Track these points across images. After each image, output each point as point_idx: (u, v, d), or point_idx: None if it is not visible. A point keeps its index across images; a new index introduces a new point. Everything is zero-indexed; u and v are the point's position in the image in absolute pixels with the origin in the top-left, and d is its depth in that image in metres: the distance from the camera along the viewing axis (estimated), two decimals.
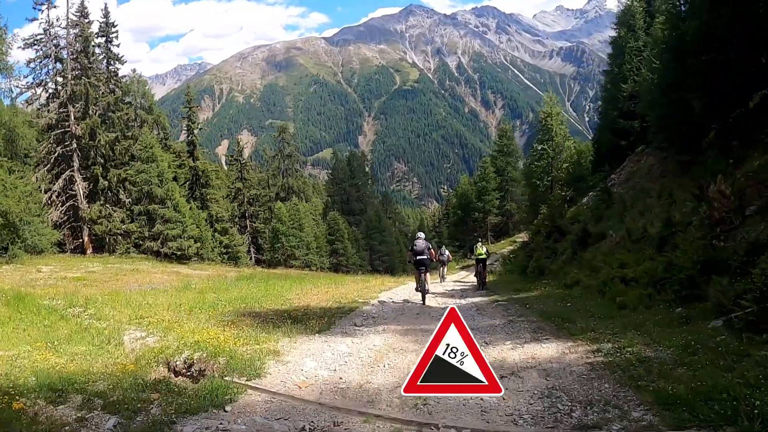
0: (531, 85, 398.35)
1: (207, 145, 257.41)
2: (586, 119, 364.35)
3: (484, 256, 21.73)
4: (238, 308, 13.32)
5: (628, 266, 12.91)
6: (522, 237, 55.72)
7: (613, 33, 31.82)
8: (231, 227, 54.34)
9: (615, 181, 26.24)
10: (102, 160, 39.32)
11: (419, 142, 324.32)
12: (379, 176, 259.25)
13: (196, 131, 54.00)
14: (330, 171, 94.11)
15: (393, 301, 16.24)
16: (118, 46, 45.28)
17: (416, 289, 16.08)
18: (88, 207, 38.51)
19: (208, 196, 52.53)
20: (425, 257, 15.74)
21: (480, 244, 23.00)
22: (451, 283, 27.76)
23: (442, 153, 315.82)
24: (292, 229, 53.56)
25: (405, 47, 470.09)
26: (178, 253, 38.77)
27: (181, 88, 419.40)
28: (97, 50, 43.19)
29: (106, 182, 38.78)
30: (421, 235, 16.73)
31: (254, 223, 60.36)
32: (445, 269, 29.74)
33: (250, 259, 59.00)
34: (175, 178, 53.73)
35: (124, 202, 39.71)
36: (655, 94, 19.27)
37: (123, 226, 38.50)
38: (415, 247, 16.07)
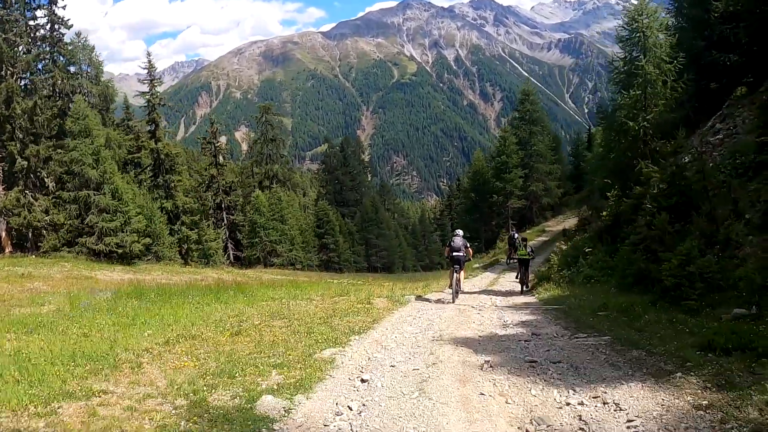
0: (530, 77, 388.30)
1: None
2: (585, 111, 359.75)
3: (527, 257, 19.80)
4: None
5: None
6: (553, 226, 47.00)
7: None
8: (201, 220, 46.34)
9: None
10: (21, 135, 31.09)
11: (418, 135, 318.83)
12: (378, 170, 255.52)
13: (158, 108, 45.94)
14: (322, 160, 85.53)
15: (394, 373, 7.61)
16: (64, 8, 37.84)
17: (449, 286, 16.38)
18: (4, 194, 30.38)
19: (172, 184, 44.46)
20: (462, 254, 15.88)
21: (519, 237, 22.50)
22: (475, 294, 18.30)
23: (441, 146, 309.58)
24: (273, 221, 45.54)
25: (402, 40, 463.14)
26: (119, 251, 30.66)
27: (179, 85, 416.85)
28: (39, 13, 35.91)
29: (24, 162, 30.55)
30: (459, 232, 16.91)
31: (232, 215, 52.11)
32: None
33: (228, 257, 50.99)
34: (138, 164, 46.43)
35: (50, 187, 31.50)
36: None
37: (47, 218, 30.35)
38: (452, 244, 16.21)
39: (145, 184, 44.99)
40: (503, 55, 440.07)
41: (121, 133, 48.37)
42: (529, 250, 20.12)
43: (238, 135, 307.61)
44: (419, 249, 77.49)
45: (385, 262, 64.56)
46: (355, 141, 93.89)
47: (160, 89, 47.94)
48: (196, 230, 44.57)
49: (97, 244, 30.32)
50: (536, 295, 17.74)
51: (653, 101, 14.89)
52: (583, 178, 53.86)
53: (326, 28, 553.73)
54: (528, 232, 44.20)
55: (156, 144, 44.88)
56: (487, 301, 15.97)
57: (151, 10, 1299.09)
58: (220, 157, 52.39)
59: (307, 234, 51.36)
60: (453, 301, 14.90)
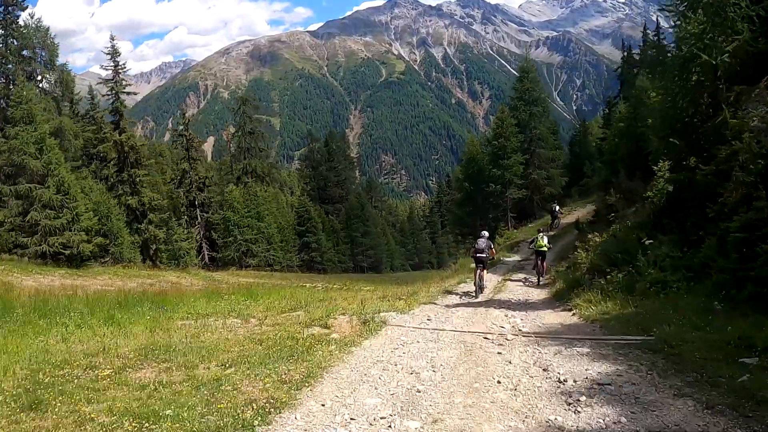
0: (518, 75, 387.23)
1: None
2: (574, 108, 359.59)
3: (545, 248, 20.71)
4: None
5: None
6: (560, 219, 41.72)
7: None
8: (171, 218, 42.76)
9: None
10: None
11: (407, 134, 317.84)
12: (367, 169, 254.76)
13: (123, 96, 42.32)
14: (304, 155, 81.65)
15: None
16: None
17: (474, 283, 17.46)
18: None
19: (138, 179, 40.89)
20: (485, 255, 17.22)
21: (542, 234, 21.58)
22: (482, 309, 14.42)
23: (429, 145, 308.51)
24: (248, 218, 41.97)
25: (390, 39, 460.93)
26: (66, 252, 27.04)
27: (166, 86, 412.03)
28: None
29: None
30: (485, 234, 18.16)
31: (206, 213, 48.44)
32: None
33: (202, 258, 47.39)
34: (102, 158, 42.82)
35: None
36: None
37: None
38: (476, 246, 17.49)
39: (110, 179, 41.55)
40: (491, 53, 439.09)
41: (86, 124, 44.88)
42: (545, 241, 20.70)
43: (226, 135, 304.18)
44: (408, 248, 74.23)
45: (372, 262, 61.21)
46: (340, 135, 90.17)
47: (147, 89, 44.72)
48: (165, 229, 41.01)
49: (40, 245, 26.67)
50: (577, 312, 11.95)
51: (731, 26, 10.48)
52: (582, 169, 50.19)
53: (314, 27, 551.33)
54: (530, 226, 40.27)
55: (120, 135, 41.28)
56: (504, 321, 11.34)
57: (138, 11, 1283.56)
58: (193, 151, 48.69)
59: (287, 232, 47.86)
60: (477, 297, 16.41)
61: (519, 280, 21.05)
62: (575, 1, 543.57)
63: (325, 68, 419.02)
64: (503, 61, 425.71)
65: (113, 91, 42.27)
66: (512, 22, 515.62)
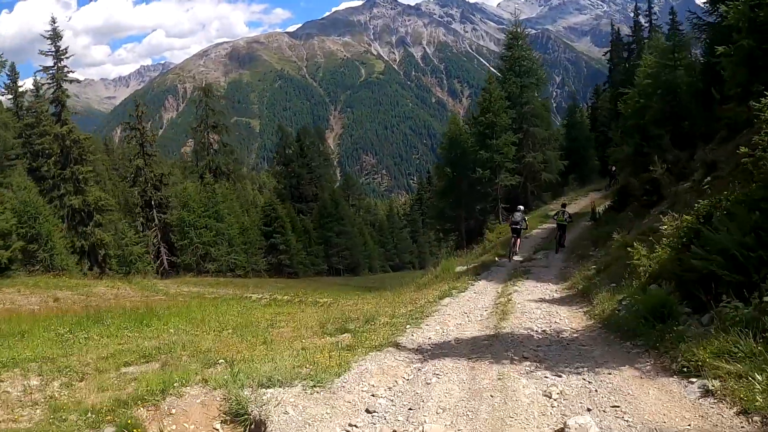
0: (498, 74, 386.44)
1: (172, 145, 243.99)
2: (554, 105, 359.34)
3: (565, 222, 22.42)
4: None
5: None
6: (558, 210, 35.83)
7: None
8: (122, 220, 38.68)
9: None
10: None
11: (387, 134, 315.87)
12: (348, 169, 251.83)
13: (65, 85, 38.32)
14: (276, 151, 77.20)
15: None
16: None
17: (508, 249, 21.45)
18: None
19: (82, 176, 36.82)
20: (519, 226, 21.13)
21: (564, 209, 22.98)
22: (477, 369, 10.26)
23: (410, 144, 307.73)
24: (205, 218, 37.89)
25: (369, 39, 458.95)
26: None
27: (145, 89, 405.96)
28: None
29: None
30: (521, 208, 22.15)
31: (164, 214, 44.16)
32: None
33: (161, 263, 43.27)
34: (47, 154, 38.66)
35: None
36: None
37: None
38: (512, 218, 21.61)
39: (53, 177, 37.49)
40: (471, 51, 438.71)
41: (30, 117, 40.78)
42: (566, 216, 22.44)
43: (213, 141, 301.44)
44: (388, 248, 70.48)
45: (349, 263, 57.27)
46: (314, 130, 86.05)
47: (126, 92, 40.92)
48: (113, 232, 36.93)
49: None
50: (700, 382, 5.52)
51: None
52: (580, 153, 45.84)
53: (292, 28, 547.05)
54: (527, 218, 34.36)
55: (62, 128, 37.16)
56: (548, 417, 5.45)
57: (116, 14, 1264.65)
58: (148, 146, 44.46)
59: (252, 233, 43.77)
60: (510, 260, 20.19)
61: (530, 288, 14.71)
62: None
63: (305, 69, 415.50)
64: (482, 60, 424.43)
65: (54, 80, 38.32)
66: (491, 20, 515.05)
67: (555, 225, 23.32)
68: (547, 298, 12.92)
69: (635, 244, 10.62)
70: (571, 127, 51.38)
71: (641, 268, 10.10)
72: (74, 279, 27.08)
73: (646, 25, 49.40)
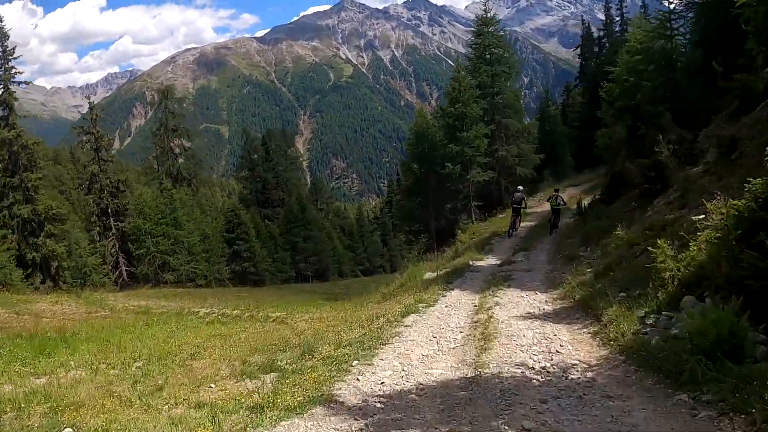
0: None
1: (140, 153, 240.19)
2: (523, 105, 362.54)
3: (559, 207, 23.44)
4: None
5: None
6: (535, 207, 33.13)
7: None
8: (75, 229, 36.74)
9: None
10: None
11: (357, 137, 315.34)
12: (318, 174, 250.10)
13: (12, 87, 36.33)
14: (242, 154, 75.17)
15: None
16: None
17: (509, 227, 24.56)
18: None
19: (30, 184, 34.88)
20: (520, 206, 24.14)
21: (557, 194, 24.07)
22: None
23: (380, 147, 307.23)
24: (162, 225, 36.13)
25: (338, 43, 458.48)
26: None
27: (113, 97, 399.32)
28: None
29: None
30: (520, 188, 25.26)
31: (121, 222, 42.20)
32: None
33: (120, 274, 41.38)
34: None
35: None
36: None
37: None
38: (513, 198, 24.38)
39: (4, 185, 35.47)
40: (439, 54, 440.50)
41: None
42: (560, 200, 23.53)
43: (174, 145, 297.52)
44: (358, 252, 69.08)
45: (317, 269, 55.69)
46: (280, 133, 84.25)
47: (94, 101, 39.01)
48: (65, 243, 35.03)
49: None
50: None
51: None
52: (555, 149, 44.13)
53: (261, 33, 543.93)
54: (500, 216, 31.56)
55: (9, 132, 35.19)
56: None
57: (82, 21, 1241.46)
58: (104, 151, 42.52)
59: (213, 241, 42.05)
60: (509, 236, 23.85)
61: (514, 299, 12.09)
62: (521, 0, 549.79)
63: (273, 74, 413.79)
64: (451, 62, 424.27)
65: (0, 81, 36.29)
66: (459, 23, 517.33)
67: (533, 223, 25.34)
68: (537, 312, 10.53)
69: (659, 242, 8.18)
70: (544, 121, 49.19)
71: (667, 274, 7.79)
72: (17, 295, 25.29)
73: (618, 18, 49.65)
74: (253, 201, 58.72)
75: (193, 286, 37.15)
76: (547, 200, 25.15)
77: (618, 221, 13.96)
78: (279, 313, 14.32)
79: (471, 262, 18.83)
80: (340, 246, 63.64)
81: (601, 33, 53.45)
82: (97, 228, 42.20)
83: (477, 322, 9.82)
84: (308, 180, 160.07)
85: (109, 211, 42.24)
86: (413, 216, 39.27)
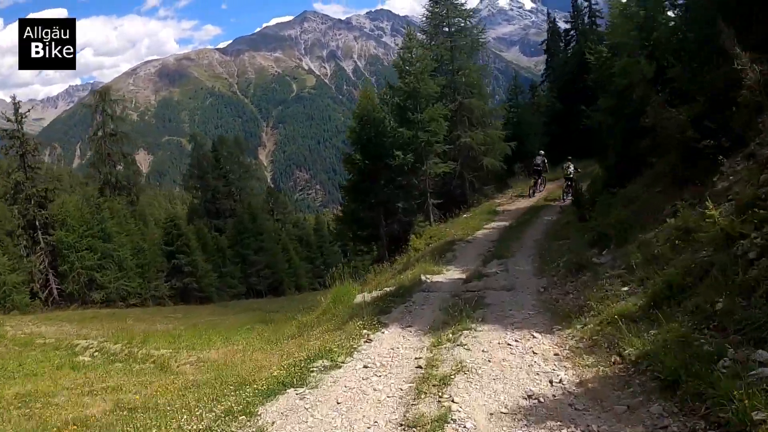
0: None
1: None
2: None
3: (571, 175, 24.29)
4: None
5: None
6: (507, 204, 27.77)
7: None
8: None
9: None
10: None
11: (320, 148, 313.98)
12: (282, 186, 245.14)
13: None
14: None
15: None
16: None
17: (529, 188, 27.71)
18: None
19: None
20: (540, 168, 26.98)
21: (568, 165, 24.71)
22: None
23: (343, 158, 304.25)
24: (87, 239, 32.50)
25: (300, 54, 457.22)
26: None
27: (74, 110, 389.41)
28: None
29: None
30: (541, 152, 27.77)
31: (51, 236, 38.25)
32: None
33: (50, 293, 37.44)
34: None
35: None
36: None
37: None
38: (535, 161, 27.30)
39: None
40: None
41: None
42: (570, 169, 24.54)
43: (138, 158, 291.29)
44: (316, 263, 65.56)
45: (271, 283, 52.07)
46: (234, 140, 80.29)
47: (55, 113, 35.00)
48: None
49: None
50: None
51: None
52: (528, 138, 35.71)
53: (223, 44, 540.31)
54: (465, 216, 26.04)
55: None
56: None
57: None
58: (30, 157, 38.59)
59: (149, 254, 38.39)
60: (530, 196, 27.12)
61: (493, 353, 6.87)
62: (482, 10, 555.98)
63: (236, 86, 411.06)
64: None
65: None
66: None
67: (507, 223, 22.51)
68: (547, 392, 5.42)
69: None
70: (514, 108, 41.46)
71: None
72: None
73: (585, 10, 48.64)
74: (203, 211, 55.16)
75: (125, 305, 33.48)
76: (562, 166, 26.61)
77: (650, 209, 9.88)
78: (164, 351, 11.08)
79: (424, 277, 13.43)
80: (297, 258, 60.11)
81: (569, 26, 53.48)
82: (24, 242, 38.29)
83: (427, 372, 5.53)
84: (256, 181, 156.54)
85: (37, 223, 38.29)
86: (360, 220, 30.97)
